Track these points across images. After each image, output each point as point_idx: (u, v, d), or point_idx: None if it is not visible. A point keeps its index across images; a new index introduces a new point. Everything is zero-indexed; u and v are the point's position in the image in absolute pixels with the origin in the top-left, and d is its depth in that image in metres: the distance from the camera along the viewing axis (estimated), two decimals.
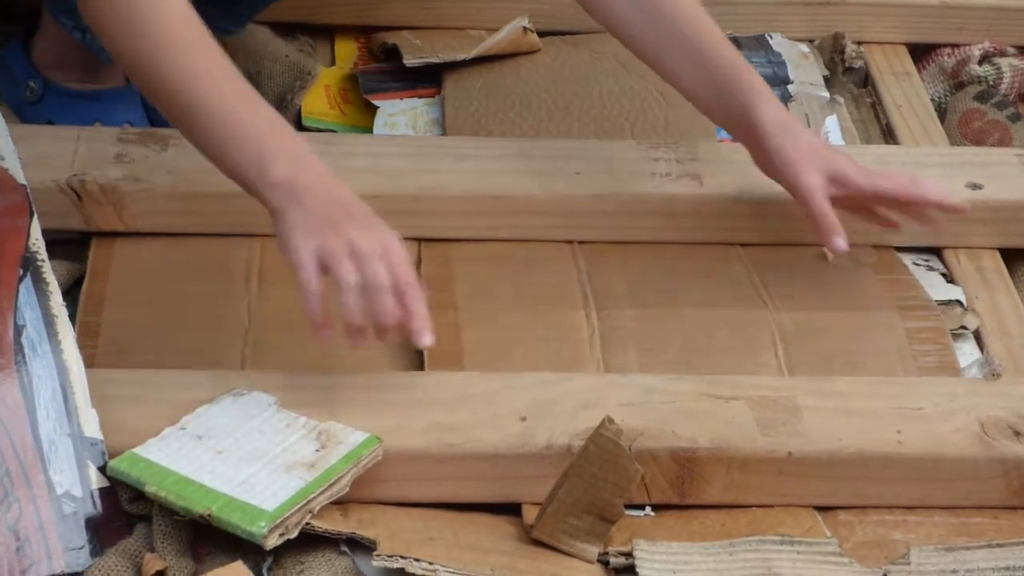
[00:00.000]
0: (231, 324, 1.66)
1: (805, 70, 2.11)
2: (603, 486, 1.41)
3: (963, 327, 1.72)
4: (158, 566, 1.36)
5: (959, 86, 2.16)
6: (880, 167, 1.75)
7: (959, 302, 1.76)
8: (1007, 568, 1.42)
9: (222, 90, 1.51)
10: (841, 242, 1.67)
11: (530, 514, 1.46)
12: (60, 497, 1.39)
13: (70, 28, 1.86)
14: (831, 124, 2.04)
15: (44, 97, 1.93)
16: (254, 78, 2.06)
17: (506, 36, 2.08)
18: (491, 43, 2.08)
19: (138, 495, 1.42)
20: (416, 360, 1.64)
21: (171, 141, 1.81)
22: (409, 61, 2.06)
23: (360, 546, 1.41)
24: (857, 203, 1.71)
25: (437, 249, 1.79)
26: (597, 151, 1.87)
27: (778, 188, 1.81)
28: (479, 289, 1.74)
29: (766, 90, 1.71)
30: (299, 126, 2.02)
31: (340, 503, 1.45)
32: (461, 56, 2.06)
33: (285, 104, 2.02)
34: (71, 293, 1.69)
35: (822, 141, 1.80)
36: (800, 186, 1.68)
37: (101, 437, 1.42)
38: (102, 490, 1.40)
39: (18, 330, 1.45)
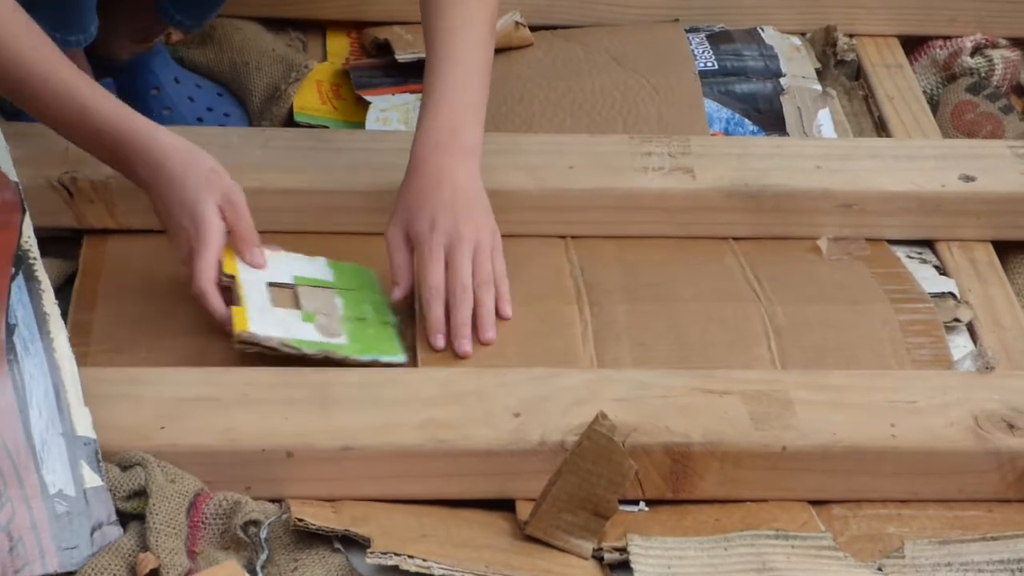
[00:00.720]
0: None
1: (797, 63, 2.11)
2: (597, 482, 1.41)
3: (956, 319, 1.72)
4: (152, 565, 1.36)
5: (951, 78, 2.16)
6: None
7: (952, 294, 1.76)
8: (1001, 561, 1.42)
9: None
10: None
11: (524, 510, 1.46)
12: (53, 497, 1.38)
13: None
14: (823, 117, 2.04)
15: None
16: (241, 69, 2.06)
17: (498, 31, 2.07)
18: None
19: (132, 493, 1.42)
20: (409, 357, 1.63)
21: None
22: (401, 56, 2.06)
23: (354, 543, 1.40)
24: None
25: None
26: (589, 145, 1.87)
27: (771, 182, 1.81)
28: None
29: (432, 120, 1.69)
30: (291, 122, 2.02)
31: (333, 500, 1.45)
32: None
33: (278, 95, 2.02)
34: (63, 291, 1.68)
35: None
36: None
37: (94, 436, 1.42)
38: (95, 489, 1.40)
39: (10, 329, 1.45)
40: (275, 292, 1.63)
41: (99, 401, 1.46)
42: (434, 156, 1.67)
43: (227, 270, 1.61)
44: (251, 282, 1.62)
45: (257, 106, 2.03)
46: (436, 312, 1.62)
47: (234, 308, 1.58)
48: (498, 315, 1.65)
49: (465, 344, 1.61)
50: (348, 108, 2.04)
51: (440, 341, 1.61)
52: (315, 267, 1.68)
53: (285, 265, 1.66)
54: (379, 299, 1.67)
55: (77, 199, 1.73)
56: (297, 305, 1.63)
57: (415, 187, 1.67)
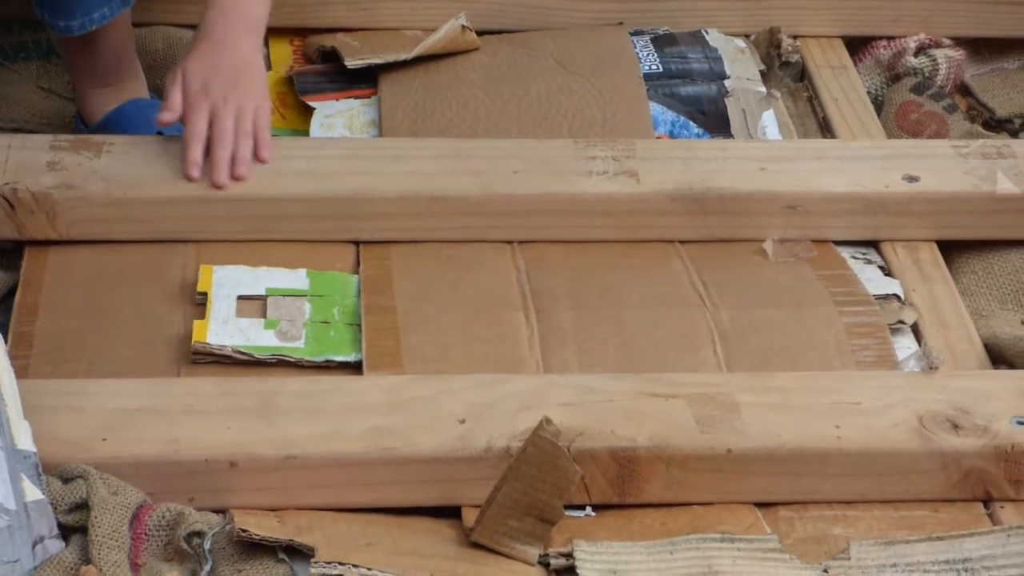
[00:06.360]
0: (166, 332, 1.65)
1: (742, 65, 2.11)
2: (542, 487, 1.41)
3: (901, 322, 1.72)
4: None
5: (895, 78, 2.16)
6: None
7: (897, 296, 1.76)
8: (947, 561, 1.42)
9: None
10: None
11: (470, 517, 1.45)
12: None
13: None
14: (768, 119, 2.04)
15: None
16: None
17: (445, 34, 2.07)
18: (431, 42, 2.07)
19: (74, 506, 1.41)
20: (354, 364, 1.63)
21: (104, 148, 1.80)
22: (351, 63, 2.05)
23: (298, 553, 1.40)
24: None
25: (375, 251, 1.78)
26: (535, 150, 1.87)
27: (715, 184, 1.81)
28: (418, 291, 1.73)
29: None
30: None
31: (277, 510, 1.44)
32: (403, 56, 2.05)
33: None
34: (4, 303, 1.68)
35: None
36: None
37: (34, 449, 1.41)
38: (36, 503, 1.39)
39: None
40: (243, 304, 1.67)
41: (40, 413, 1.45)
42: (221, 25, 1.83)
43: (201, 288, 1.67)
44: (221, 296, 1.66)
45: None
46: (194, 151, 1.78)
47: (196, 322, 1.63)
48: (257, 159, 1.81)
49: (222, 177, 1.77)
50: (296, 117, 2.04)
51: (195, 172, 1.77)
52: (292, 278, 1.71)
53: (263, 279, 1.70)
54: (351, 303, 1.69)
55: (18, 210, 1.72)
56: (263, 314, 1.65)
57: (200, 51, 1.83)
